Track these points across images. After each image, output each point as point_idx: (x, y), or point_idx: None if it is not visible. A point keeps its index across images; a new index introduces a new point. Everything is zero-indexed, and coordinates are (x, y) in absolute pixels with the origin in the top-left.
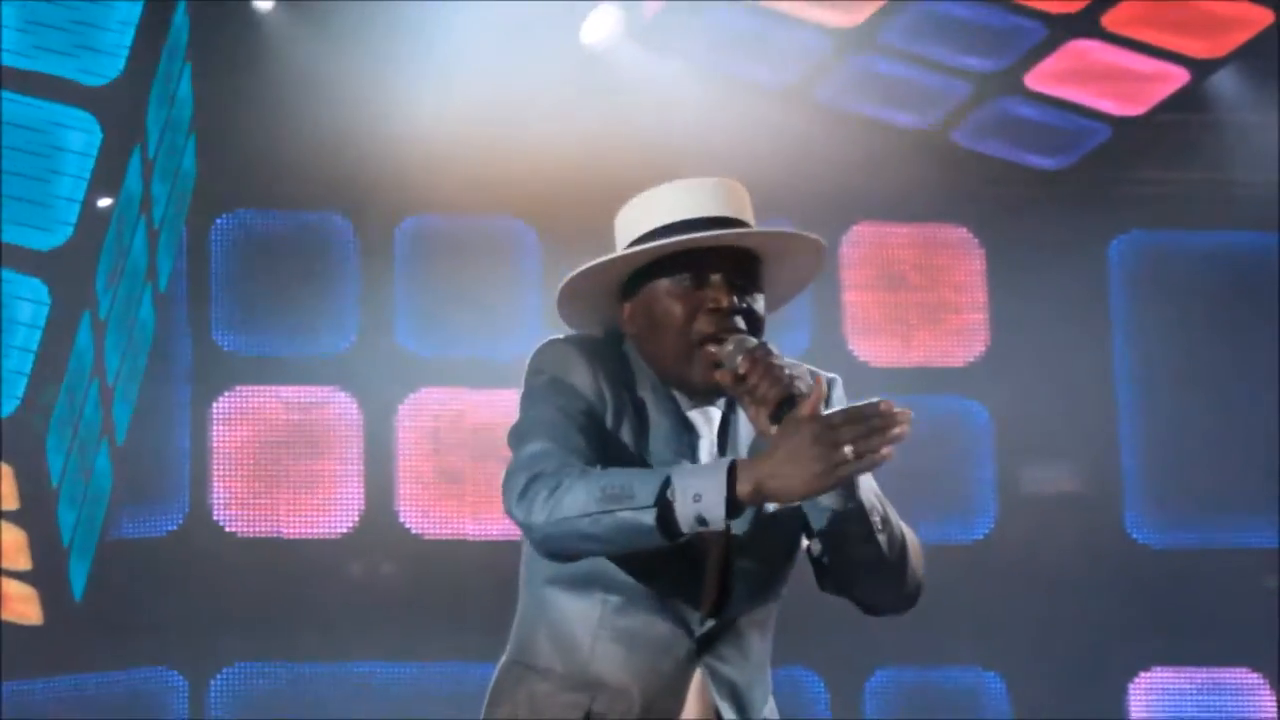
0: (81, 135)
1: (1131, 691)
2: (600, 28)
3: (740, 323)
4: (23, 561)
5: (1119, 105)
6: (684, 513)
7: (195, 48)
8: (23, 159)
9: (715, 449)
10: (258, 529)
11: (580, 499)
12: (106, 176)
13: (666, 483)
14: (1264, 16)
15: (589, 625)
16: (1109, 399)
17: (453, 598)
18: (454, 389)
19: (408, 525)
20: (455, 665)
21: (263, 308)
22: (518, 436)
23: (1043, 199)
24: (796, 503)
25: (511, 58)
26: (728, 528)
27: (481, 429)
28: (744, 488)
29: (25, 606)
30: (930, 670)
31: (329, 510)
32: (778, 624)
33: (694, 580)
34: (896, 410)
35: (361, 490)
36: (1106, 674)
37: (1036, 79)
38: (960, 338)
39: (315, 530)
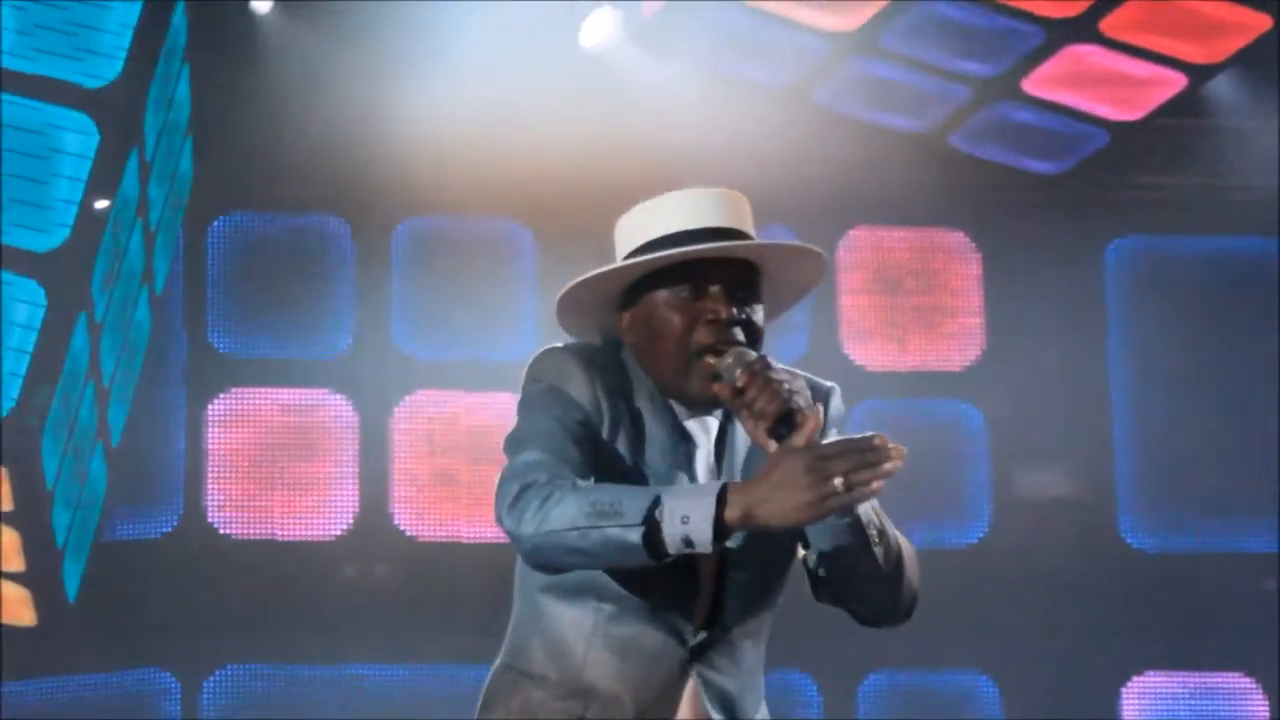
0: (79, 137)
1: (1125, 695)
2: (599, 30)
3: (739, 334)
4: (17, 563)
5: (1116, 110)
6: (671, 534)
7: (193, 50)
8: (20, 161)
9: (712, 459)
10: (252, 531)
11: (569, 512)
12: (103, 178)
13: (656, 502)
14: (1262, 22)
15: (582, 633)
16: (1104, 403)
17: (447, 600)
18: (450, 392)
19: (402, 528)
20: (449, 667)
21: (259, 310)
22: (514, 444)
23: (1040, 204)
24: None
25: (509, 59)
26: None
27: (477, 432)
28: (733, 513)
29: (19, 608)
30: (924, 674)
31: (324, 512)
32: (772, 628)
33: (687, 591)
34: (890, 446)
35: (356, 493)
36: (1100, 678)
37: (1034, 84)
38: (956, 342)
39: (310, 532)
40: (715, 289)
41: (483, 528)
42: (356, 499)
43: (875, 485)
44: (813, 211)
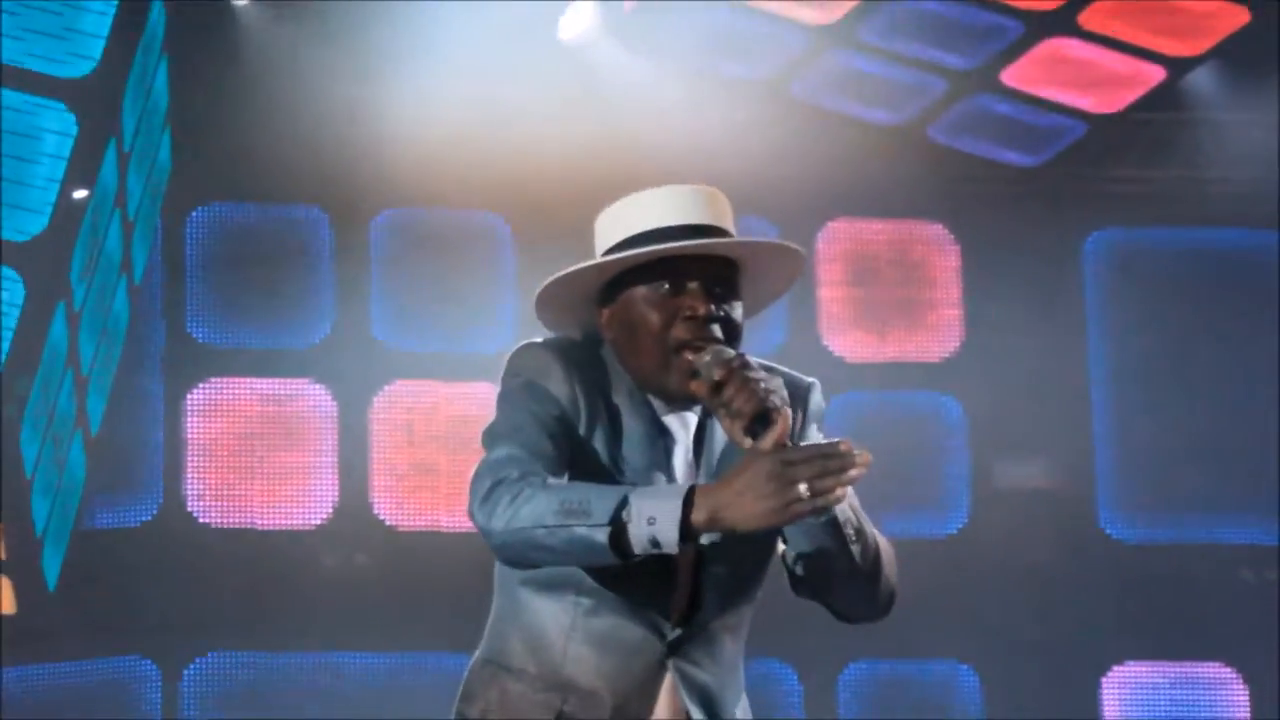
0: (57, 128)
1: (1105, 686)
2: (577, 24)
3: (717, 330)
4: None
5: (1095, 103)
6: (637, 535)
7: (171, 41)
8: None
9: (690, 455)
10: (232, 520)
11: (538, 510)
12: (82, 169)
13: (624, 503)
14: (1240, 15)
15: (561, 627)
16: (1083, 395)
17: (426, 589)
18: (428, 382)
19: (382, 517)
20: (429, 656)
21: (237, 300)
22: (490, 438)
23: (1019, 195)
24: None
25: (489, 53)
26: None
27: (456, 422)
28: (699, 515)
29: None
30: (904, 664)
31: (303, 502)
32: (752, 621)
33: (665, 586)
34: (855, 452)
35: (336, 482)
36: (1080, 668)
37: (1013, 76)
38: (935, 333)
39: (289, 522)
40: (694, 285)
41: (462, 517)
42: (336, 488)
43: (839, 492)
44: (792, 204)
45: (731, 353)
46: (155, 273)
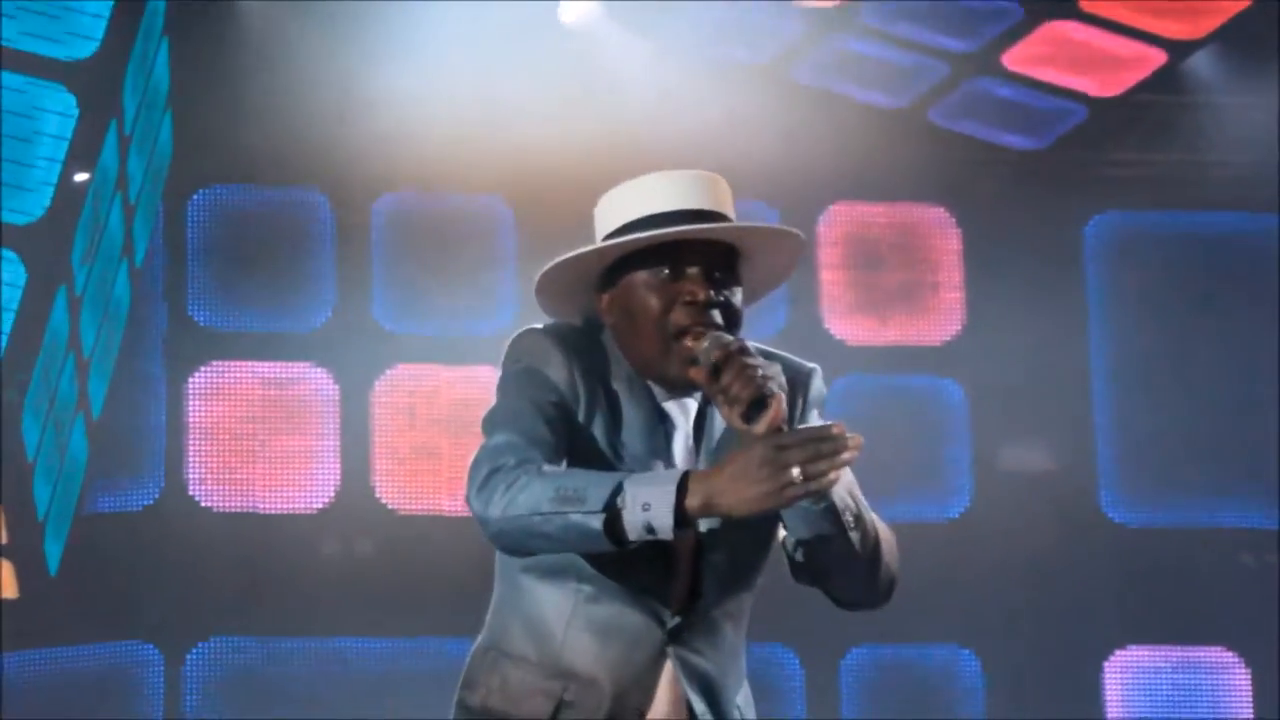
0: (58, 110)
1: (1106, 670)
2: (578, 7)
3: (717, 316)
4: None
5: (1096, 86)
6: (632, 521)
7: (172, 23)
8: None
9: (690, 441)
10: (233, 504)
11: (534, 497)
12: (83, 152)
13: (618, 489)
14: None
15: (562, 614)
16: (1085, 378)
17: (428, 573)
18: (430, 365)
19: (384, 501)
20: (430, 640)
21: (239, 283)
22: (489, 424)
23: (1020, 179)
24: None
25: (489, 35)
26: (697, 523)
27: (458, 405)
28: (693, 501)
29: (1, 580)
30: (906, 648)
31: (305, 485)
32: (753, 605)
33: (665, 573)
34: (847, 435)
35: (337, 466)
36: (1081, 652)
37: (1014, 59)
38: (936, 317)
39: (291, 506)
40: (693, 271)
41: (463, 501)
42: (338, 472)
43: (832, 475)
44: (793, 187)
45: (730, 338)
46: (157, 256)
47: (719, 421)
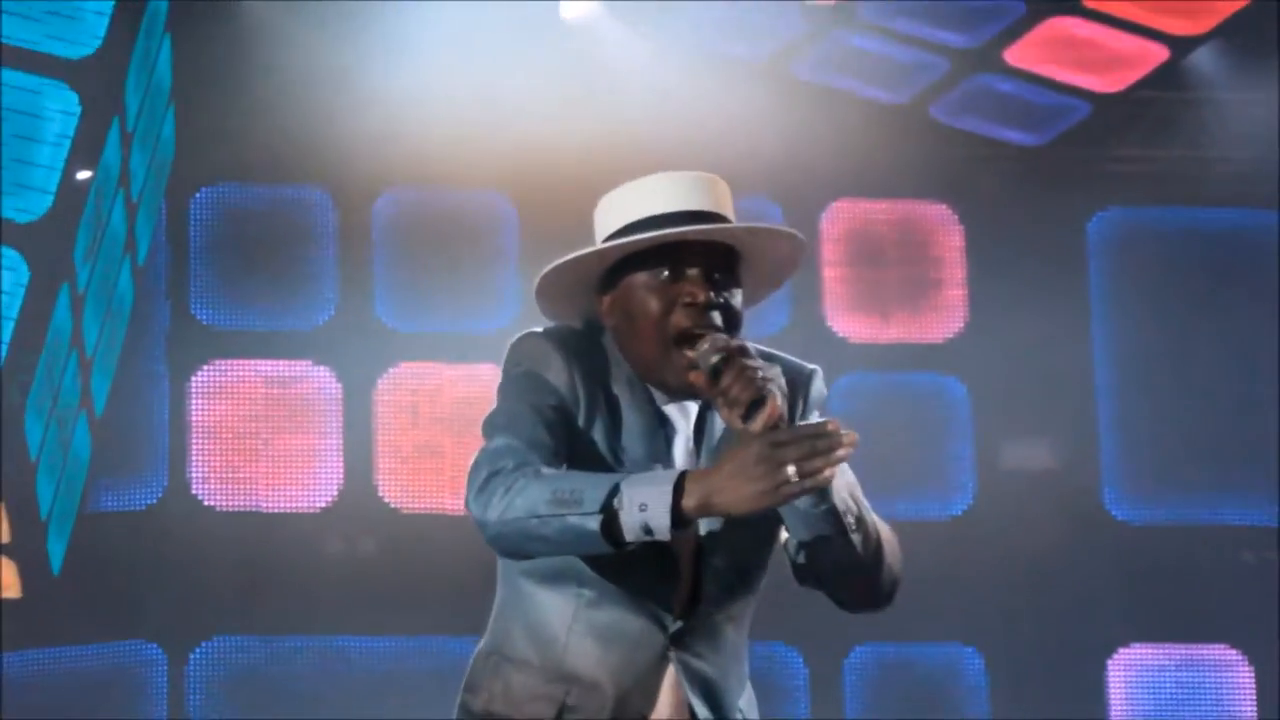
0: (60, 108)
1: (1110, 668)
2: (579, 4)
3: (717, 318)
4: (1, 535)
5: (1099, 82)
6: (629, 522)
7: (175, 20)
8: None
9: (691, 445)
10: (236, 503)
11: (531, 500)
12: (85, 149)
13: (615, 490)
14: None
15: (564, 619)
16: (1087, 375)
17: (431, 572)
18: (432, 364)
19: (386, 499)
20: (433, 639)
21: (241, 281)
22: (489, 428)
23: (1022, 175)
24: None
25: (490, 32)
26: (697, 526)
27: (460, 404)
28: (690, 501)
29: (4, 580)
30: (909, 647)
31: (308, 484)
32: (756, 607)
33: (666, 577)
34: (842, 432)
35: (340, 464)
36: (1085, 650)
37: (1016, 55)
38: (939, 314)
39: (294, 504)
40: (693, 272)
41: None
42: (341, 471)
43: (828, 473)
44: (795, 184)
45: (730, 341)
46: (159, 254)
47: (719, 424)
